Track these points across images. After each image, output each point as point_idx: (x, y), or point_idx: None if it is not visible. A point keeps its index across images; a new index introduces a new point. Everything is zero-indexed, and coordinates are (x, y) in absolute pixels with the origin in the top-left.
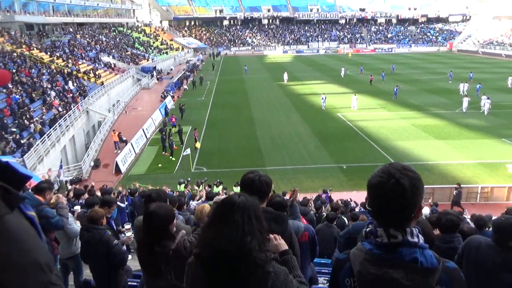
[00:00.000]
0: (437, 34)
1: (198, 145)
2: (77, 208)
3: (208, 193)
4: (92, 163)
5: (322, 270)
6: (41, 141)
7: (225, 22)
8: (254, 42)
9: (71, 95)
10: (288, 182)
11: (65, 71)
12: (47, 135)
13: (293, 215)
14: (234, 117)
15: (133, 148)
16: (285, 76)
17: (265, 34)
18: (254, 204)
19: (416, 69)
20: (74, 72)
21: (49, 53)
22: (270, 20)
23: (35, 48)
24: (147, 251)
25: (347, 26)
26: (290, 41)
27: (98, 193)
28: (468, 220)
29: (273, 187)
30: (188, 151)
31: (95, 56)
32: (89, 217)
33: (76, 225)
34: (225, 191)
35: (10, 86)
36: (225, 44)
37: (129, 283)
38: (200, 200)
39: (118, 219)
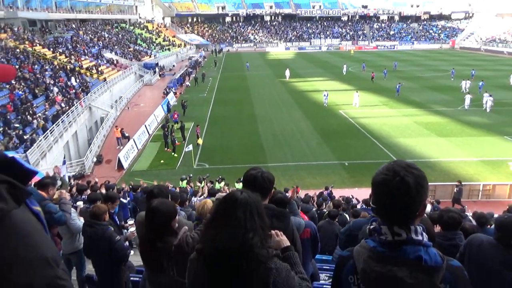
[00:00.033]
0: (440, 31)
1: (200, 141)
2: (80, 203)
3: (210, 189)
4: (95, 159)
5: (324, 267)
6: (44, 137)
7: (228, 19)
8: (256, 39)
9: (73, 91)
10: (290, 179)
11: (68, 67)
12: (50, 131)
13: (292, 212)
14: (236, 114)
15: (136, 144)
16: (287, 72)
17: (267, 31)
18: (256, 201)
19: (418, 66)
20: (77, 68)
21: (52, 49)
22: (273, 17)
23: (38, 44)
24: (150, 247)
25: (349, 23)
26: (292, 38)
27: (103, 190)
28: (470, 218)
29: (274, 184)
30: (190, 147)
31: (97, 52)
32: (91, 213)
33: (79, 221)
34: (227, 187)
35: (13, 82)
36: (227, 40)
37: (132, 278)
38: (202, 196)
39: (120, 214)
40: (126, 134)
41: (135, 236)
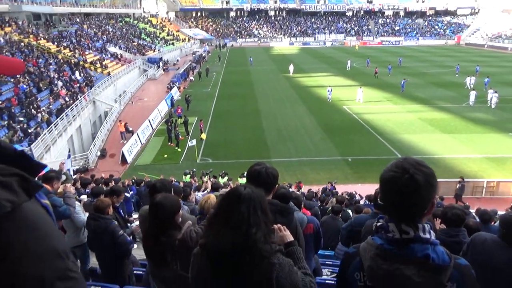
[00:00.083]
0: (445, 27)
1: (203, 136)
2: (84, 197)
3: (213, 184)
4: (99, 153)
5: (326, 262)
6: (48, 131)
7: (232, 14)
8: (261, 34)
9: (78, 85)
10: (293, 174)
11: (72, 61)
12: (54, 124)
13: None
14: (240, 109)
15: (139, 139)
16: (291, 68)
17: (272, 26)
18: (259, 196)
19: (423, 62)
20: (81, 62)
21: (56, 43)
22: (277, 12)
23: (42, 38)
24: (153, 241)
25: (354, 18)
26: (297, 33)
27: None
28: (474, 214)
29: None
30: (194, 142)
31: (101, 46)
32: (95, 206)
33: (83, 215)
34: (230, 181)
35: (17, 75)
36: (231, 35)
37: (135, 272)
38: (206, 191)
39: (124, 208)
40: (130, 129)
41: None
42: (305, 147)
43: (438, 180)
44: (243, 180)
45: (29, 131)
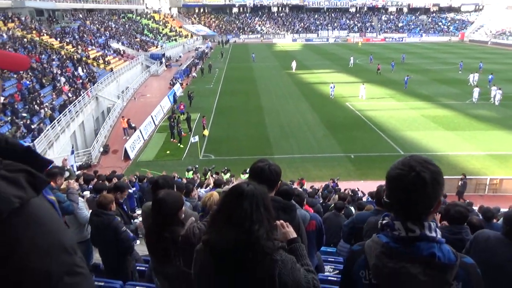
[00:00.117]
0: (449, 23)
1: (206, 132)
2: (86, 193)
3: (216, 180)
4: (101, 149)
5: (329, 259)
6: (51, 127)
7: (234, 10)
8: (263, 30)
9: (80, 81)
10: (295, 171)
11: (75, 57)
12: (57, 120)
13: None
14: (242, 105)
15: (142, 135)
16: (293, 64)
17: (275, 22)
18: (262, 193)
19: (427, 59)
20: (84, 58)
21: (59, 39)
22: (280, 8)
23: (45, 34)
24: (156, 238)
25: (357, 15)
26: (300, 29)
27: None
28: (477, 212)
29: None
30: (196, 138)
31: (104, 42)
32: (98, 202)
33: (86, 211)
34: (232, 178)
35: (20, 71)
36: (234, 31)
37: (138, 267)
38: (208, 188)
39: (127, 204)
40: (133, 125)
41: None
42: (307, 143)
43: None
44: (245, 177)
45: (32, 127)
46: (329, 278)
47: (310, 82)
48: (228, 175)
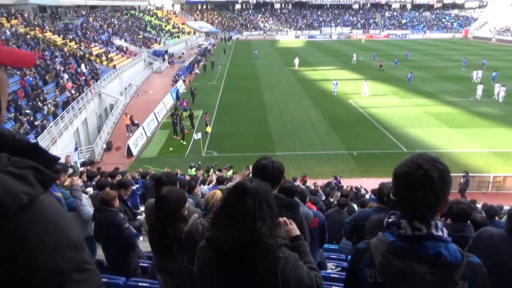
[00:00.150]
0: (453, 20)
1: (208, 129)
2: (90, 190)
3: (219, 177)
4: (104, 146)
5: (331, 256)
6: (54, 123)
7: (237, 6)
8: (266, 27)
9: (83, 78)
10: (298, 168)
11: (78, 54)
12: (60, 117)
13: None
14: (245, 102)
15: (145, 132)
16: (296, 61)
17: (277, 19)
18: (265, 190)
19: (430, 56)
20: (87, 55)
21: (62, 36)
22: (283, 5)
23: (48, 31)
24: (159, 234)
25: (361, 11)
26: (303, 26)
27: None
28: (480, 210)
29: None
30: (199, 135)
31: (107, 39)
32: (101, 199)
33: (90, 208)
34: (235, 175)
35: (23, 68)
36: (237, 28)
37: (141, 264)
38: (211, 185)
39: (130, 201)
40: (136, 121)
41: (144, 223)
42: (310, 140)
43: None
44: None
45: (36, 123)
46: (331, 275)
47: (313, 79)
48: (230, 172)
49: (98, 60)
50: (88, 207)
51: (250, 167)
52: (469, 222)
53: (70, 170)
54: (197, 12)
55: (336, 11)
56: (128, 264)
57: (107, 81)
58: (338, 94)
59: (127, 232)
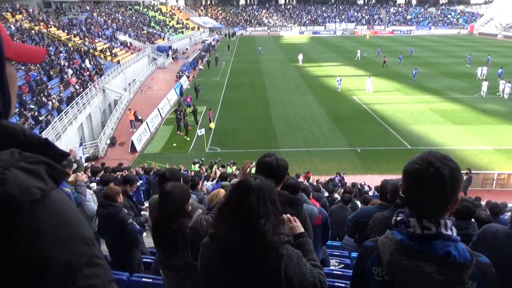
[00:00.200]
0: (458, 16)
1: (212, 125)
2: (93, 185)
3: (222, 173)
4: (108, 141)
5: (334, 253)
6: (58, 119)
7: (241, 2)
8: (270, 23)
9: (88, 73)
10: (301, 164)
11: (82, 49)
12: (64, 112)
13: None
14: (249, 98)
15: (148, 127)
16: (300, 57)
17: (282, 15)
18: (269, 187)
19: (435, 52)
20: (91, 51)
21: (66, 31)
22: (287, 0)
23: (52, 26)
24: (162, 230)
25: (365, 7)
26: (307, 22)
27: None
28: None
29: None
30: (203, 131)
31: (111, 34)
32: (104, 194)
33: (94, 204)
34: (238, 171)
35: (28, 63)
36: (241, 24)
37: (144, 260)
38: (214, 181)
39: (135, 196)
40: (139, 117)
41: (147, 219)
42: (314, 137)
43: None
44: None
45: (40, 118)
46: (334, 272)
47: (317, 75)
48: (234, 168)
49: (102, 56)
50: (92, 203)
51: (253, 163)
52: (473, 220)
53: (75, 165)
54: (201, 8)
55: (340, 6)
56: (131, 260)
57: (111, 77)
58: (342, 91)
59: (130, 227)
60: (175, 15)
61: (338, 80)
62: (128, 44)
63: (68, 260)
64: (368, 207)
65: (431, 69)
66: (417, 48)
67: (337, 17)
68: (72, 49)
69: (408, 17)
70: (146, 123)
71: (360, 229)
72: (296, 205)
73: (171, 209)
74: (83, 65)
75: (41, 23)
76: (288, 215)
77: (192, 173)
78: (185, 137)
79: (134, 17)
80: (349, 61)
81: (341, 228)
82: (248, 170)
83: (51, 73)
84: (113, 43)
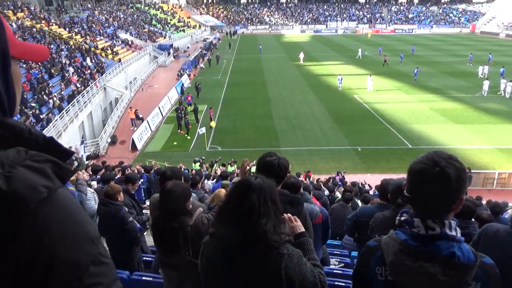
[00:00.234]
0: (460, 15)
1: (213, 124)
2: (94, 183)
3: (222, 172)
4: (109, 140)
5: (334, 252)
6: (59, 117)
7: (243, 0)
8: (272, 21)
9: (89, 71)
10: (302, 163)
11: (83, 47)
12: (65, 110)
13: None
14: (249, 96)
15: (149, 126)
16: (301, 55)
17: (283, 13)
18: (270, 186)
19: (437, 51)
20: (92, 49)
21: (67, 29)
22: None
23: (54, 24)
24: (163, 229)
25: (367, 6)
26: (308, 21)
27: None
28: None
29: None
30: (203, 129)
31: (112, 32)
32: (105, 192)
33: (94, 203)
34: (238, 170)
35: (29, 61)
36: (242, 22)
37: (144, 258)
38: (214, 180)
39: (136, 195)
40: (140, 116)
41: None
42: (314, 136)
43: None
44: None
45: (41, 117)
46: (334, 271)
47: (318, 74)
48: (234, 167)
49: (103, 54)
50: (92, 202)
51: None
52: (473, 219)
53: (75, 164)
54: (203, 6)
55: (342, 5)
56: (131, 258)
57: (112, 75)
58: (343, 89)
59: (131, 226)
60: (177, 13)
61: (339, 79)
62: (130, 43)
63: (74, 258)
64: (367, 207)
65: (433, 68)
66: (419, 47)
67: (338, 16)
68: (73, 47)
69: (410, 15)
70: (147, 121)
71: (360, 229)
72: (296, 204)
73: (172, 207)
74: (84, 63)
75: (43, 21)
76: (289, 215)
77: (193, 171)
78: (186, 135)
79: (135, 15)
80: (350, 60)
81: (341, 227)
82: (247, 168)
83: (53, 71)
84: (115, 41)
